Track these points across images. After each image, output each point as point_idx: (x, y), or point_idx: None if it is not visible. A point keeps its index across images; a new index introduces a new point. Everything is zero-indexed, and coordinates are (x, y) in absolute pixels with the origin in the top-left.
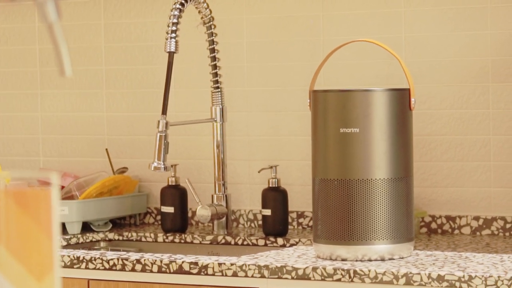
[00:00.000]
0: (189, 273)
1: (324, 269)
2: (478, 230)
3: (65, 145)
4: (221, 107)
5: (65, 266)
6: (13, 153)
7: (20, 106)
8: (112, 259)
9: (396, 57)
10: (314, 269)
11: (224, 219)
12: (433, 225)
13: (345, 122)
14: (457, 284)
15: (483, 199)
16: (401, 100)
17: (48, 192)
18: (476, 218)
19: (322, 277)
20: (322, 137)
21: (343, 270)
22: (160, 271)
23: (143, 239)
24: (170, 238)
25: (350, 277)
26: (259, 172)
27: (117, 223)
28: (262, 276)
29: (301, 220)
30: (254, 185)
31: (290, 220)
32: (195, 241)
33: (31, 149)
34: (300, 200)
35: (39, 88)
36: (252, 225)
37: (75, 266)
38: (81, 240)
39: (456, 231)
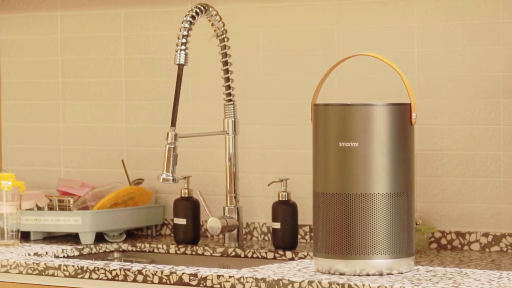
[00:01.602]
0: (188, 284)
1: (320, 283)
2: (487, 247)
3: (85, 155)
4: (233, 119)
5: (69, 276)
6: (34, 163)
7: (42, 117)
8: (114, 270)
9: (397, 71)
10: (310, 282)
11: (235, 231)
12: (443, 241)
13: (344, 136)
14: None
15: (493, 216)
16: (402, 115)
17: None
18: (486, 235)
19: None
20: (322, 151)
21: (338, 284)
22: (160, 282)
23: (155, 250)
24: (182, 249)
25: None
26: (269, 185)
27: (133, 234)
28: None
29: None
30: (268, 198)
31: (302, 233)
32: (206, 253)
33: (52, 160)
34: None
35: (60, 98)
36: (266, 238)
37: (79, 276)
38: (94, 251)
39: (466, 247)
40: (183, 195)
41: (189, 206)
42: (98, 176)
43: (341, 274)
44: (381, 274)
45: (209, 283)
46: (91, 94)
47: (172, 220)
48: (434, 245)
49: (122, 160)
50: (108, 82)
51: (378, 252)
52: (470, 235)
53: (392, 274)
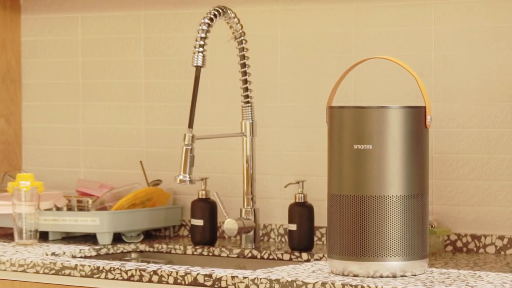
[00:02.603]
0: (203, 285)
1: (333, 284)
2: (502, 250)
3: (105, 156)
4: (251, 121)
5: (85, 276)
6: (54, 164)
7: (62, 118)
8: (130, 270)
9: (412, 74)
10: (323, 284)
11: (252, 233)
12: (459, 244)
13: (358, 139)
14: None
15: (508, 219)
16: (416, 118)
17: None
18: (501, 238)
19: None
20: (337, 153)
21: (351, 285)
22: (175, 282)
23: (172, 251)
24: (199, 250)
25: None
26: (285, 187)
27: (151, 235)
28: None
29: None
30: (285, 200)
31: (319, 235)
32: (222, 254)
33: (72, 160)
34: None
35: (80, 100)
36: (283, 239)
37: (95, 276)
38: (111, 251)
39: (481, 250)
40: (200, 197)
41: (206, 207)
42: (117, 177)
43: (355, 275)
44: (394, 276)
45: (223, 284)
46: (111, 95)
47: (190, 221)
48: (449, 248)
49: (141, 161)
50: (127, 83)
51: (392, 254)
52: (485, 238)
53: (406, 276)
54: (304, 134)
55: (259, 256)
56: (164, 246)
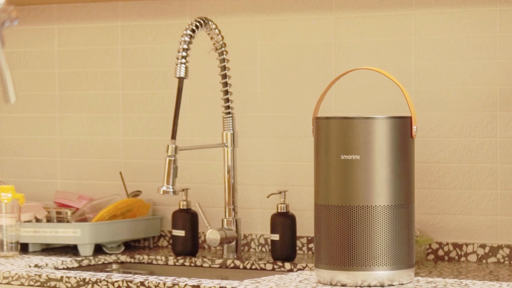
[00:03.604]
0: None
1: None
2: (484, 258)
3: (82, 168)
4: (232, 132)
5: None
6: (31, 175)
7: (39, 129)
8: (117, 281)
9: (398, 84)
10: None
11: (234, 243)
12: (440, 252)
13: (346, 149)
14: None
15: (490, 227)
16: (402, 128)
17: None
18: (483, 246)
19: None
20: (324, 163)
21: None
22: None
23: (154, 262)
24: (181, 261)
25: None
26: (268, 197)
27: (131, 246)
28: None
29: (311, 245)
30: (266, 210)
31: (300, 245)
32: (204, 265)
33: (49, 172)
34: (311, 225)
35: (57, 111)
36: (263, 249)
37: None
38: (92, 262)
39: (463, 259)
40: (181, 207)
41: (188, 218)
42: (94, 188)
43: (343, 285)
44: (382, 285)
45: None
46: (88, 106)
47: (170, 232)
48: (431, 256)
49: (120, 172)
50: (105, 94)
51: (380, 264)
52: (467, 247)
53: (393, 285)
54: (284, 144)
55: (241, 266)
56: (146, 257)
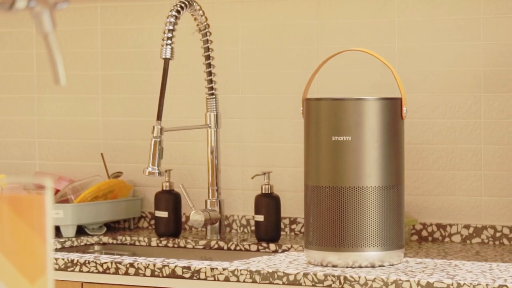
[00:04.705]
0: (181, 277)
1: (315, 275)
2: (468, 239)
3: (61, 149)
4: (215, 113)
5: (59, 269)
6: (9, 156)
7: (17, 110)
8: (106, 263)
9: (388, 66)
10: (305, 275)
11: (217, 224)
12: (424, 233)
13: (337, 130)
14: None
15: (473, 208)
16: (393, 109)
17: (42, 196)
18: (467, 227)
19: (313, 283)
20: (314, 145)
21: (333, 276)
22: (153, 275)
23: (136, 243)
24: (164, 242)
25: (340, 283)
26: (252, 178)
27: (111, 227)
28: (254, 281)
29: (293, 226)
30: (247, 191)
31: (282, 226)
32: (188, 246)
33: (27, 153)
34: (293, 206)
35: (35, 92)
36: (245, 230)
37: (69, 269)
38: (75, 243)
39: (447, 239)
40: (164, 188)
41: (171, 199)
42: (74, 169)
43: (333, 266)
44: (373, 266)
45: (202, 276)
46: (67, 87)
47: (150, 213)
48: (414, 237)
49: (102, 154)
50: (84, 75)
51: (371, 245)
52: (451, 227)
53: (384, 266)
54: (265, 126)
55: (225, 247)
56: (128, 238)
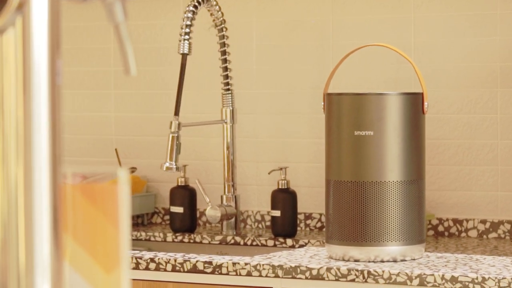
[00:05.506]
0: (203, 272)
1: (338, 269)
2: (484, 234)
3: (74, 145)
4: (231, 108)
5: None
6: None
7: None
8: None
9: (410, 61)
10: (328, 269)
11: (233, 219)
12: (440, 228)
13: (359, 125)
14: (470, 285)
15: (490, 203)
16: (414, 104)
17: (116, 186)
18: (483, 222)
19: (336, 278)
20: (336, 139)
21: (357, 270)
22: (174, 270)
23: (152, 238)
24: (179, 238)
25: (364, 277)
26: (269, 173)
27: None
28: (276, 276)
29: (308, 221)
30: (261, 186)
31: (297, 221)
32: (204, 241)
33: None
34: (308, 201)
35: None
36: (260, 226)
37: None
38: None
39: (463, 234)
40: (179, 184)
41: (186, 195)
42: (86, 165)
43: (355, 260)
44: (395, 261)
45: (224, 271)
46: (79, 83)
47: (164, 209)
48: (431, 232)
49: (116, 149)
50: (97, 71)
51: (392, 239)
52: (467, 222)
53: (406, 260)
54: (279, 121)
55: (242, 243)
56: (143, 233)
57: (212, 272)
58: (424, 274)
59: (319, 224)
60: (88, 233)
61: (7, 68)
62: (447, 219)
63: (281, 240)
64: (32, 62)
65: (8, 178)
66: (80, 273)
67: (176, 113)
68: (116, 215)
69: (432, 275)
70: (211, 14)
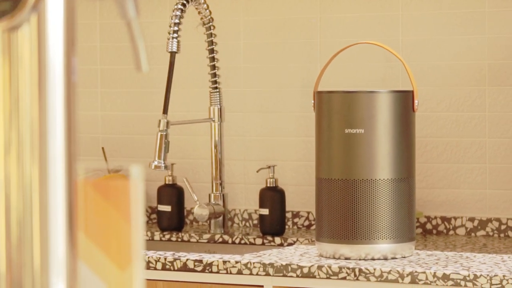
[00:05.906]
0: (193, 270)
1: (329, 267)
2: (473, 231)
3: None
4: (219, 107)
5: None
6: None
7: None
8: None
9: (400, 59)
10: (319, 267)
11: (220, 218)
12: (428, 226)
13: (349, 123)
14: (462, 283)
15: (478, 201)
16: (404, 102)
17: (129, 182)
18: (471, 219)
19: (327, 276)
20: (326, 138)
21: (348, 268)
22: (164, 268)
23: None
24: (167, 236)
25: (355, 275)
26: (257, 172)
27: None
28: (267, 274)
29: (296, 220)
30: (249, 185)
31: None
32: (192, 240)
33: None
34: (295, 200)
35: None
36: (247, 224)
37: None
38: None
39: (451, 232)
40: (167, 182)
41: (174, 193)
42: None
43: (346, 258)
44: (385, 259)
45: (214, 269)
46: None
47: (151, 208)
48: (419, 230)
49: (103, 148)
50: (83, 69)
51: (383, 237)
52: (455, 220)
53: (396, 258)
54: (267, 120)
55: (230, 241)
56: None
57: (203, 271)
58: (416, 271)
59: (306, 223)
60: (102, 230)
61: (22, 66)
62: (435, 217)
63: (270, 238)
64: (48, 59)
65: (24, 176)
66: (93, 270)
67: (165, 111)
68: (130, 211)
69: (424, 272)
70: (199, 12)
